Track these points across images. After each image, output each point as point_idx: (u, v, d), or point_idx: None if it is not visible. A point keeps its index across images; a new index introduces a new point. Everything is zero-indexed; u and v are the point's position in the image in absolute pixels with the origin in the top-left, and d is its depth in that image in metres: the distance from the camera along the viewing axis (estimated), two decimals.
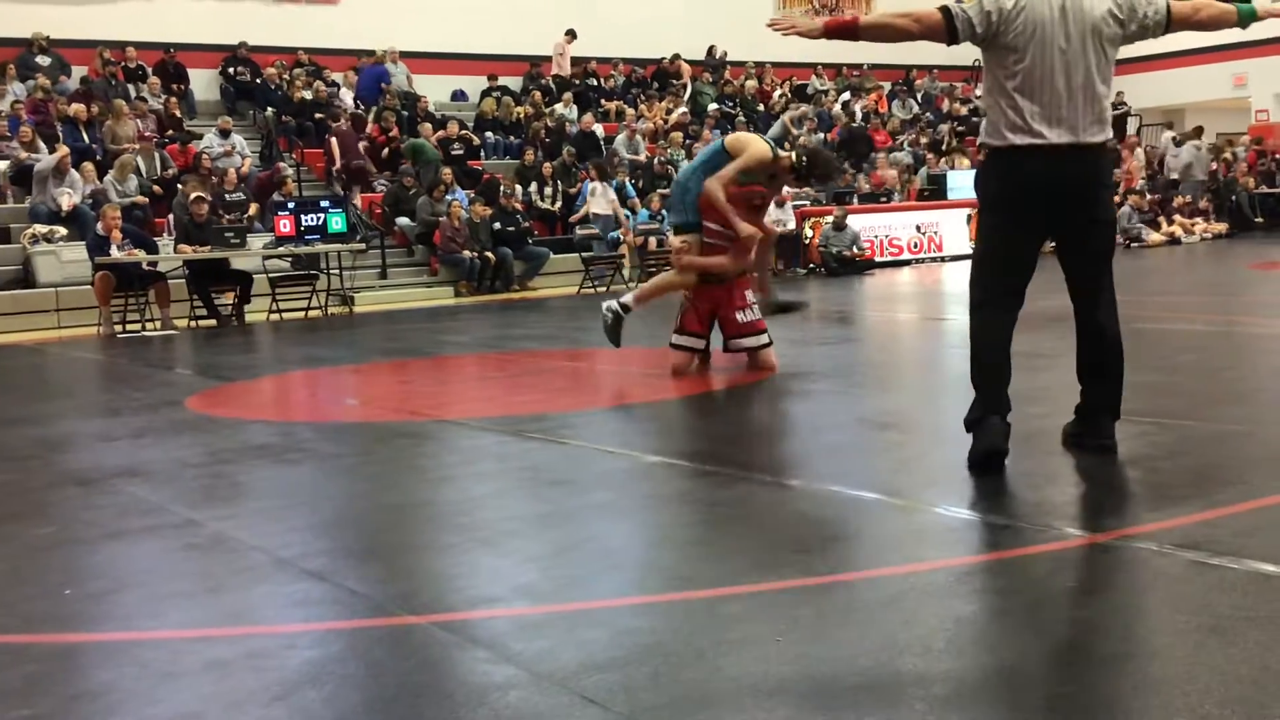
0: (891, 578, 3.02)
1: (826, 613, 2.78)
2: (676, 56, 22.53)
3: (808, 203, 18.42)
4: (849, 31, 4.25)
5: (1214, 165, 22.50)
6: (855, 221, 17.36)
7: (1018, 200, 4.10)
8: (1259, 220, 22.04)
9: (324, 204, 14.20)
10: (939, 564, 3.13)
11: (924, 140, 21.80)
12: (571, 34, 21.08)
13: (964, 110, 24.55)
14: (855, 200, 18.78)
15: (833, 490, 4.01)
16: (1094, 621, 2.67)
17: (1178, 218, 20.63)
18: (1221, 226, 20.93)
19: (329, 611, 3.02)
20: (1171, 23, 4.12)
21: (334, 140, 16.93)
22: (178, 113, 17.24)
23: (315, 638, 2.83)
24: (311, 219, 13.73)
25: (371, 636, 2.81)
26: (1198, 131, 23.65)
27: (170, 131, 16.75)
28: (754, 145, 6.76)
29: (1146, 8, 4.06)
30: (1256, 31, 4.43)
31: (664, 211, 15.58)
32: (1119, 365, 4.20)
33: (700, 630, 2.71)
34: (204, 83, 18.88)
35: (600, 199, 16.12)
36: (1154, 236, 19.54)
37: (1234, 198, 21.99)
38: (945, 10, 4.06)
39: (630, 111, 20.64)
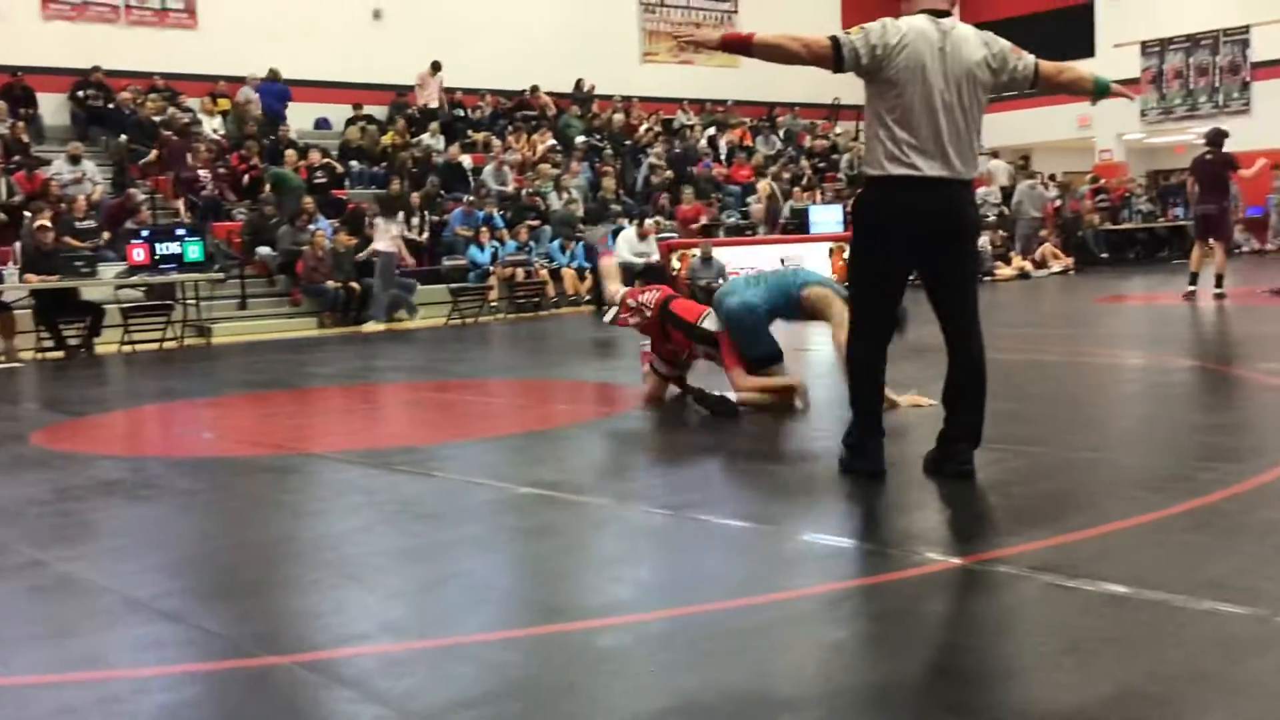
0: (763, 605, 3.04)
1: (699, 641, 2.78)
2: (536, 88, 22.54)
3: (674, 235, 18.61)
4: (743, 47, 4.33)
5: (1059, 203, 23.44)
6: (721, 254, 17.59)
7: (893, 228, 4.26)
8: (1104, 256, 23.03)
9: (180, 232, 13.80)
10: (809, 590, 3.16)
11: (786, 175, 22.25)
12: (436, 66, 20.94)
13: (824, 147, 25.18)
14: (721, 233, 19.05)
15: (704, 519, 4.02)
16: (960, 644, 2.73)
17: (1048, 247, 21.51)
18: (1068, 261, 21.80)
19: (185, 653, 2.89)
20: (1038, 79, 4.39)
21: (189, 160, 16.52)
22: (24, 137, 16.57)
23: (170, 681, 2.71)
24: (167, 247, 13.32)
25: (230, 678, 2.71)
26: (1024, 169, 24.63)
27: (17, 157, 16.08)
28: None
29: (1017, 61, 4.32)
30: None
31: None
32: (982, 392, 4.34)
33: (572, 663, 2.68)
34: (53, 107, 18.19)
35: (384, 235, 15.40)
36: (1004, 270, 20.24)
37: (1080, 234, 22.95)
38: (835, 39, 4.21)
39: (498, 143, 20.60)
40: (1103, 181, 25.00)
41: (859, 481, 4.38)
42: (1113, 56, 25.03)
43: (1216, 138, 13.31)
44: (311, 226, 15.72)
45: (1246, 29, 25.51)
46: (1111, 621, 2.77)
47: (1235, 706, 2.25)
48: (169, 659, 2.85)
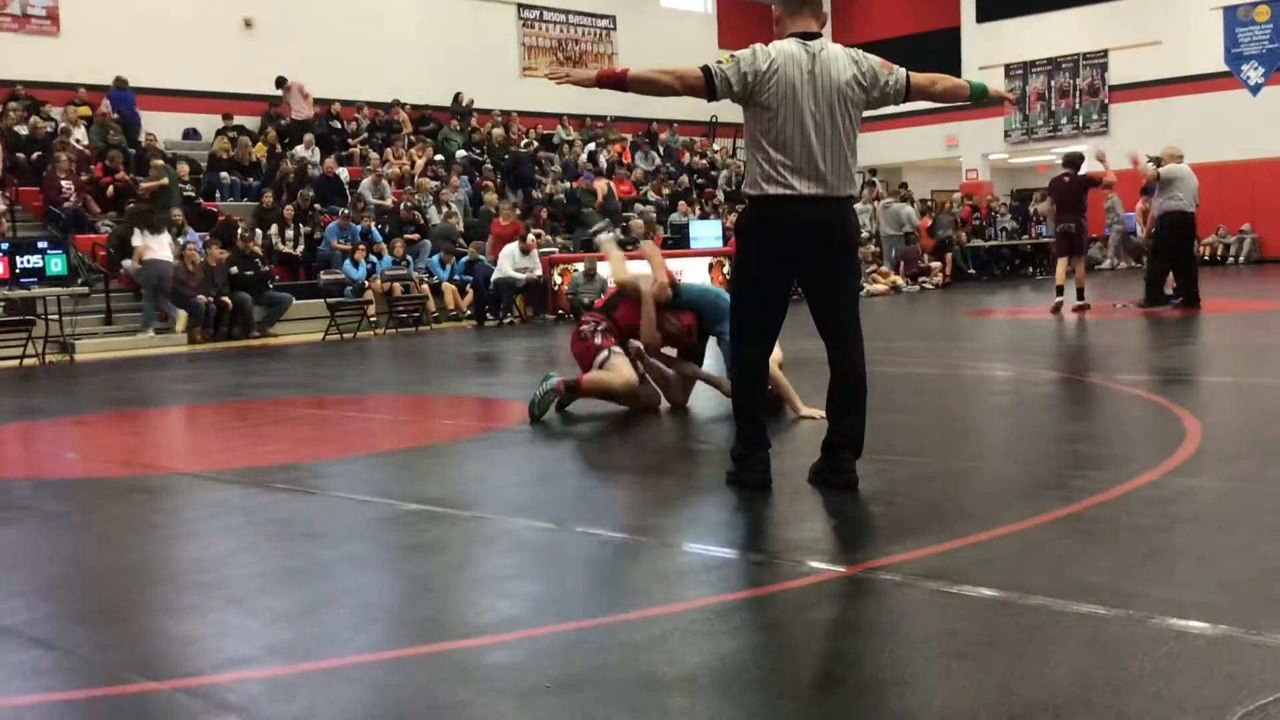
0: (654, 618, 3.04)
1: (592, 655, 2.77)
2: (398, 101, 22.18)
3: (555, 250, 18.60)
4: (618, 83, 4.40)
5: (928, 221, 24.11)
6: (604, 269, 17.63)
7: (772, 245, 4.39)
8: (972, 271, 23.74)
9: (42, 245, 13.30)
10: (699, 602, 3.17)
11: (665, 191, 22.44)
12: (280, 81, 20.40)
13: (703, 163, 25.46)
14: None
15: (592, 532, 4.02)
16: (850, 651, 2.77)
17: (932, 262, 22.14)
18: (940, 277, 22.41)
19: (59, 681, 2.77)
20: (911, 92, 4.50)
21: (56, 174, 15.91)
22: None
23: (44, 710, 2.60)
24: (28, 260, 12.83)
25: (108, 706, 2.60)
26: (886, 188, 25.30)
27: None
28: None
29: (888, 76, 4.43)
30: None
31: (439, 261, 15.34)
32: (863, 402, 4.45)
33: (464, 682, 2.64)
34: None
35: (156, 247, 14.85)
36: (877, 285, 20.70)
37: (949, 252, 23.62)
38: (706, 70, 4.31)
39: (375, 156, 20.33)
40: (974, 199, 25.74)
41: (744, 493, 4.42)
42: (978, 79, 25.77)
43: (1074, 160, 13.90)
44: (180, 239, 15.30)
45: (1105, 53, 26.64)
46: (995, 626, 2.85)
47: (1117, 707, 2.32)
48: (42, 686, 2.73)
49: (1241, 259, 24.80)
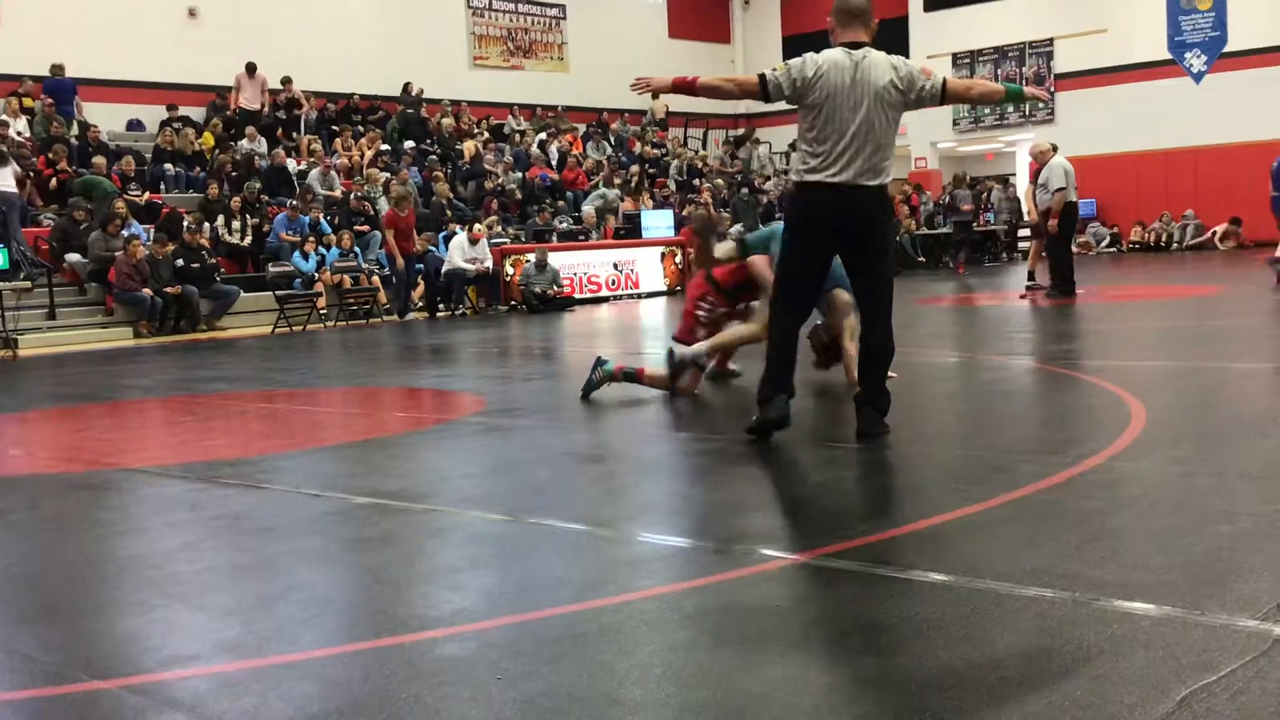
0: (607, 608, 3.04)
1: (544, 647, 2.76)
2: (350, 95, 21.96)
3: (507, 240, 18.53)
4: (689, 89, 5.03)
5: None
6: (555, 259, 17.59)
7: (806, 225, 5.11)
8: (921, 260, 23.91)
9: None
10: (652, 591, 3.17)
11: (617, 181, 22.42)
12: (251, 68, 20.28)
13: (655, 154, 25.44)
14: (555, 238, 19.06)
15: (544, 523, 4.01)
16: (801, 637, 2.78)
17: None
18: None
19: (4, 681, 2.73)
20: (947, 95, 5.07)
21: None
22: None
23: None
24: None
25: (54, 705, 2.57)
26: None
27: None
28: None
29: (925, 81, 4.98)
30: None
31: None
32: (881, 368, 5.10)
33: (416, 675, 2.63)
34: None
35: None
36: None
37: (898, 239, 23.77)
38: (761, 76, 4.99)
39: (320, 147, 20.13)
40: (908, 189, 25.87)
41: (696, 481, 4.44)
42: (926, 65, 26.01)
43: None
44: (124, 232, 15.08)
45: (1050, 41, 26.89)
46: (944, 610, 2.87)
47: (1063, 689, 2.35)
48: None
49: (1185, 244, 25.16)
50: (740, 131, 29.13)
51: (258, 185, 17.76)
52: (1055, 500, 3.95)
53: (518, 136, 23.48)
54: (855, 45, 4.99)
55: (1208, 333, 9.59)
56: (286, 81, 20.78)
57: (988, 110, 27.75)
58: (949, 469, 4.75)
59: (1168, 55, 25.23)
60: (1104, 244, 26.01)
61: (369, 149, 20.39)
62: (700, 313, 7.13)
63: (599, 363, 7.00)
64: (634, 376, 6.92)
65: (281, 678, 2.66)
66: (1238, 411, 5.78)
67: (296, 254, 16.47)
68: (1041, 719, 2.22)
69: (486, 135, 22.98)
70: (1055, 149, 13.76)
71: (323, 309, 15.88)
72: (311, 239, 16.70)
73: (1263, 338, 9.08)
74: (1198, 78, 24.96)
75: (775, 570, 3.32)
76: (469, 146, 21.76)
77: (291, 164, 19.23)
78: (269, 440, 6.43)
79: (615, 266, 19.24)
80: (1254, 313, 10.99)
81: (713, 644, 2.77)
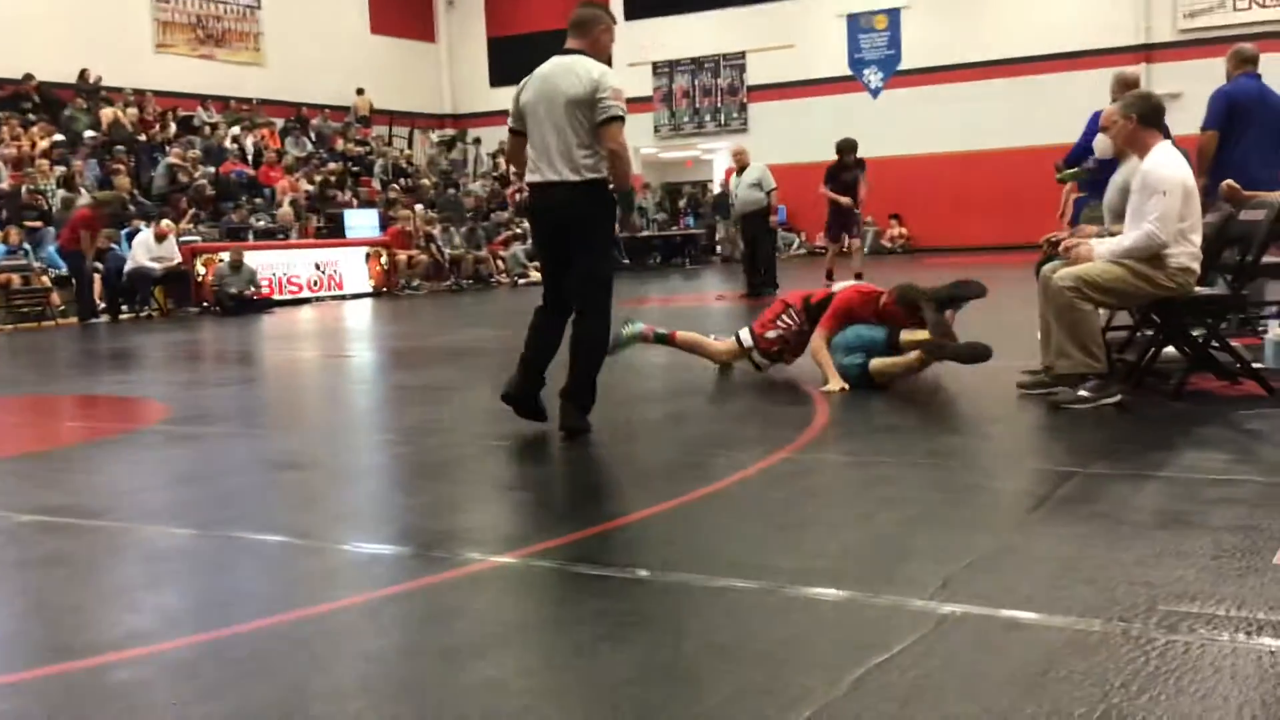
0: (298, 621, 2.92)
1: (227, 666, 2.62)
2: (28, 76, 20.24)
3: (199, 239, 17.61)
4: None
5: None
6: (252, 259, 16.84)
7: (532, 219, 5.64)
8: (626, 262, 24.42)
9: None
10: (348, 601, 3.07)
11: (318, 178, 21.73)
12: None
13: (359, 150, 24.83)
14: (251, 237, 18.26)
15: (235, 535, 3.81)
16: (504, 639, 2.75)
17: None
18: None
19: None
20: (604, 133, 5.14)
21: None
22: None
23: None
24: None
25: None
26: None
27: None
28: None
29: (605, 95, 5.06)
30: None
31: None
32: (580, 365, 5.19)
33: (84, 704, 2.43)
34: None
35: None
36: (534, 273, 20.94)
37: None
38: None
39: None
40: None
41: (398, 485, 4.35)
42: (627, 75, 26.60)
43: (851, 146, 15.12)
44: None
45: (743, 55, 28.07)
46: (642, 605, 2.92)
47: (747, 675, 2.43)
48: None
49: (867, 249, 26.83)
50: (452, 133, 28.89)
51: None
52: (745, 493, 4.11)
53: (209, 129, 22.33)
54: (568, 52, 5.26)
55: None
56: None
57: (686, 118, 28.69)
58: (645, 467, 4.86)
59: (849, 71, 26.85)
60: (794, 247, 27.36)
61: (41, 139, 18.86)
62: (781, 320, 6.97)
63: (626, 322, 6.98)
64: (666, 339, 7.14)
65: None
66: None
67: None
68: (727, 705, 2.29)
69: (174, 128, 21.73)
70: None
71: None
72: None
73: None
74: (875, 93, 26.68)
75: (477, 573, 3.28)
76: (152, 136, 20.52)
77: None
78: None
79: (317, 267, 18.65)
80: None
81: (411, 652, 2.71)
